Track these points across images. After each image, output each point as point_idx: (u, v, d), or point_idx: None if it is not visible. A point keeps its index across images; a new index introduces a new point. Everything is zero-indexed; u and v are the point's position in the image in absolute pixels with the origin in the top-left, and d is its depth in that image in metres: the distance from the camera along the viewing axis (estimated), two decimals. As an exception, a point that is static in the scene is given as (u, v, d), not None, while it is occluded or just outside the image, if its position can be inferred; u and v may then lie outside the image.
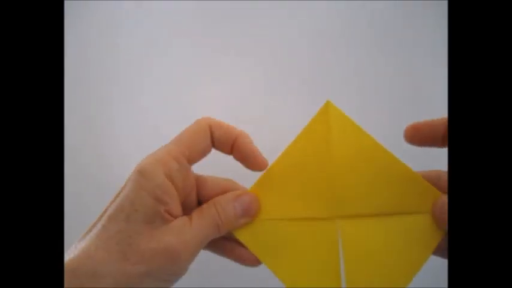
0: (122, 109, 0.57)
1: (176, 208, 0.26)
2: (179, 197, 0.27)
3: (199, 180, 0.29)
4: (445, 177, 0.28)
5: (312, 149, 0.28)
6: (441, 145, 0.27)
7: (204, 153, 0.28)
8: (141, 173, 0.26)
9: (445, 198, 0.26)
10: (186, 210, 0.28)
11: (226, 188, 0.29)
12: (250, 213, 0.28)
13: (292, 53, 0.56)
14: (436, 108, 0.52)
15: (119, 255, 0.24)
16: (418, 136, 0.28)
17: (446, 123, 0.27)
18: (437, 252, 0.27)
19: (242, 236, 0.29)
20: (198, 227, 0.26)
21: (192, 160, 0.28)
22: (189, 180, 0.28)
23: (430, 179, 0.27)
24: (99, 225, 0.25)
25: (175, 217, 0.26)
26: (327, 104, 0.28)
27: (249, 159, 0.28)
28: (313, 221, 0.28)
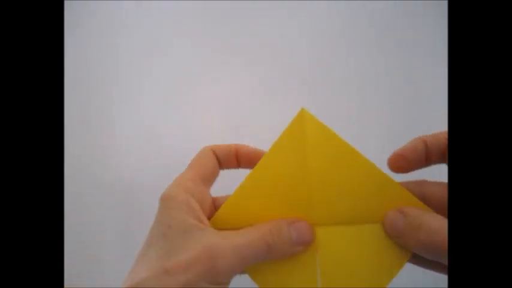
0: (122, 109, 0.57)
1: (205, 219, 0.27)
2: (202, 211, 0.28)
3: (217, 202, 0.30)
4: (429, 186, 0.28)
5: (288, 158, 0.28)
6: (426, 165, 0.28)
7: (213, 172, 0.30)
8: (165, 197, 0.27)
9: (394, 212, 0.26)
10: None
11: None
12: (305, 240, 0.27)
13: (292, 53, 0.56)
14: (436, 108, 0.52)
15: (159, 270, 0.24)
16: (406, 163, 0.27)
17: (427, 142, 0.27)
18: (420, 263, 0.27)
19: None
20: (242, 238, 0.26)
21: (205, 180, 0.29)
22: (206, 198, 0.29)
23: (412, 187, 0.27)
24: (140, 253, 0.26)
25: (208, 212, 0.28)
26: (302, 112, 0.28)
27: (256, 162, 0.29)
28: None
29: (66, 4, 0.53)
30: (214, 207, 0.30)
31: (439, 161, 0.27)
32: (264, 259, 0.26)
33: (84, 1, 0.58)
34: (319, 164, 0.27)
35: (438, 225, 0.24)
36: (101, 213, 0.53)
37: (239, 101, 0.55)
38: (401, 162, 0.27)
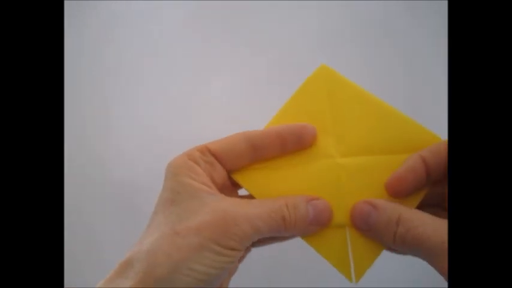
0: (121, 109, 0.57)
1: (212, 185, 0.26)
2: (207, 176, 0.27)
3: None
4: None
5: (311, 102, 0.30)
6: (426, 185, 0.26)
7: (236, 151, 0.27)
8: (170, 165, 0.27)
9: (361, 204, 0.26)
10: None
11: None
12: (321, 220, 0.26)
13: (293, 52, 0.56)
14: (436, 108, 0.52)
15: (169, 232, 0.24)
16: (405, 187, 0.26)
17: (426, 160, 0.26)
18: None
19: (239, 177, 0.28)
20: (256, 208, 0.25)
21: (220, 155, 0.27)
22: (216, 170, 0.27)
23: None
24: (148, 224, 0.26)
25: (217, 188, 0.27)
26: (322, 67, 0.30)
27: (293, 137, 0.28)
28: (314, 161, 0.28)
29: (66, 4, 0.53)
30: (230, 182, 0.29)
31: (440, 178, 0.26)
32: (279, 233, 0.26)
33: (84, 1, 0.58)
34: (341, 107, 0.29)
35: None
36: (102, 214, 0.53)
37: (239, 101, 0.55)
38: (401, 187, 0.26)
